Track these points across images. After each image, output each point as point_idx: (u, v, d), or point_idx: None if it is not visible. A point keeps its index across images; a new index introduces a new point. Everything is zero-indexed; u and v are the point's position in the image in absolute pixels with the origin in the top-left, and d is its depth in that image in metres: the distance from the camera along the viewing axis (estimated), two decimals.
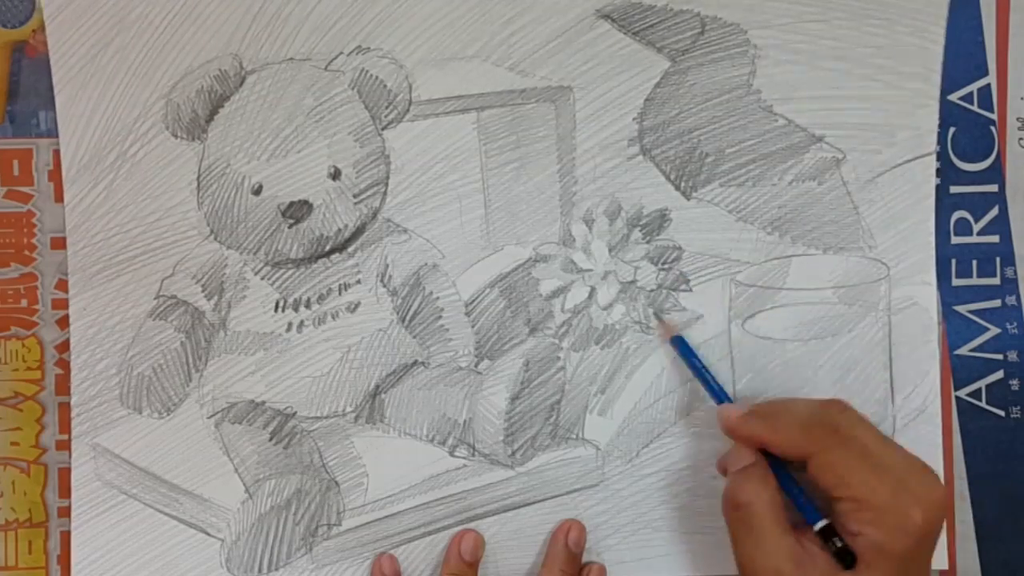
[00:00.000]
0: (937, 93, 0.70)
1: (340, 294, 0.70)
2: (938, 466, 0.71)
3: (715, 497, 0.71)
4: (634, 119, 0.70)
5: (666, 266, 0.71)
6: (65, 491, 0.70)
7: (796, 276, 0.71)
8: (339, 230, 0.69)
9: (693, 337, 0.71)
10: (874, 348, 0.71)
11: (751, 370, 0.71)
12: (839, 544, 0.60)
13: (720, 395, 0.68)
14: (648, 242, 0.71)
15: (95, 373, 0.69)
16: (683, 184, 0.71)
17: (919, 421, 0.71)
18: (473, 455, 0.70)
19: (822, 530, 0.61)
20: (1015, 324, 0.72)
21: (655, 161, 0.70)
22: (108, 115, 0.69)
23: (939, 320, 0.72)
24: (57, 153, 0.69)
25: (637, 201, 0.71)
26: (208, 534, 0.69)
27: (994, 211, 0.72)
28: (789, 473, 0.64)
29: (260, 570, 0.69)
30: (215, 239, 0.69)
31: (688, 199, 0.71)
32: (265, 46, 0.69)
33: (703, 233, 0.71)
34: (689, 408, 0.71)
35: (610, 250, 0.71)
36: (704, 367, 0.69)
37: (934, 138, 0.71)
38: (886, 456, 0.61)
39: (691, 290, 0.71)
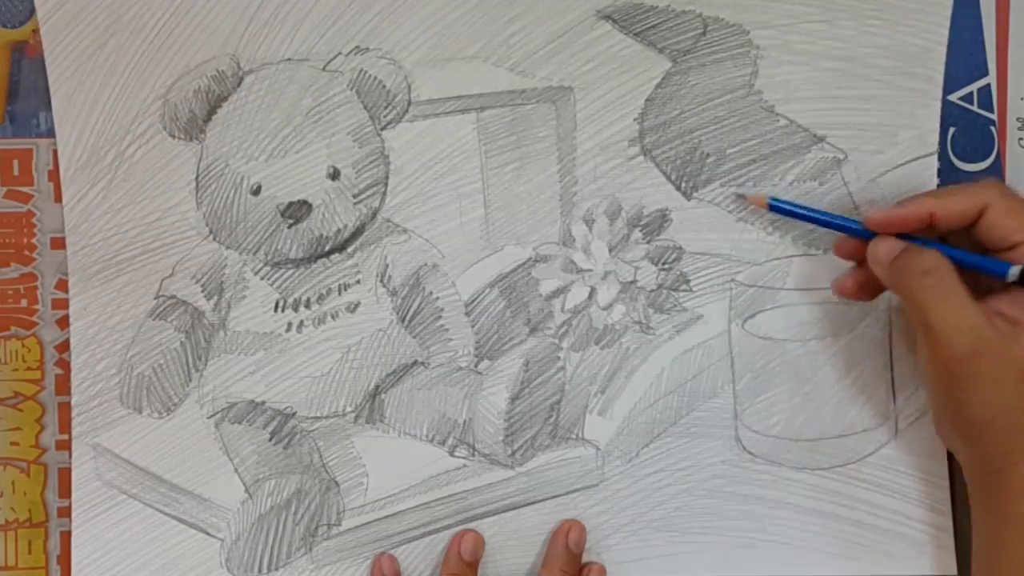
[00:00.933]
0: (939, 93, 0.70)
1: (340, 294, 0.70)
2: (941, 467, 0.71)
3: (714, 497, 0.71)
4: (635, 119, 0.70)
5: (666, 266, 0.71)
6: (65, 491, 0.70)
7: (797, 276, 0.71)
8: (338, 230, 0.69)
9: (693, 337, 0.71)
10: (875, 348, 0.71)
11: (751, 370, 0.71)
12: None
13: (847, 222, 0.66)
14: (648, 242, 0.70)
15: (95, 373, 0.70)
16: (684, 184, 0.70)
17: (922, 422, 0.71)
18: (473, 455, 0.70)
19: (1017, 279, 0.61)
20: None
21: (656, 161, 0.70)
22: (105, 115, 0.68)
23: None
24: (57, 153, 0.69)
25: (637, 201, 0.70)
26: (208, 534, 0.69)
27: None
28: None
29: (260, 570, 0.69)
30: (214, 239, 0.69)
31: (689, 199, 0.70)
32: (263, 46, 0.68)
33: (703, 233, 0.70)
34: (689, 408, 0.71)
35: (610, 250, 0.70)
36: (816, 211, 0.67)
37: (935, 138, 0.70)
38: None
39: (691, 290, 0.71)
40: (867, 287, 0.67)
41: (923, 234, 0.64)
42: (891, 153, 0.70)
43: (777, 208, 0.68)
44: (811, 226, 0.70)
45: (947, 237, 0.64)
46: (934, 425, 0.65)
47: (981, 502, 0.64)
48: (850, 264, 0.68)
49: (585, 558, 0.70)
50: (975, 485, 0.64)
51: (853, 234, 0.66)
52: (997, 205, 0.62)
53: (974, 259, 0.63)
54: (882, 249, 0.64)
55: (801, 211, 0.67)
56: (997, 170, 0.71)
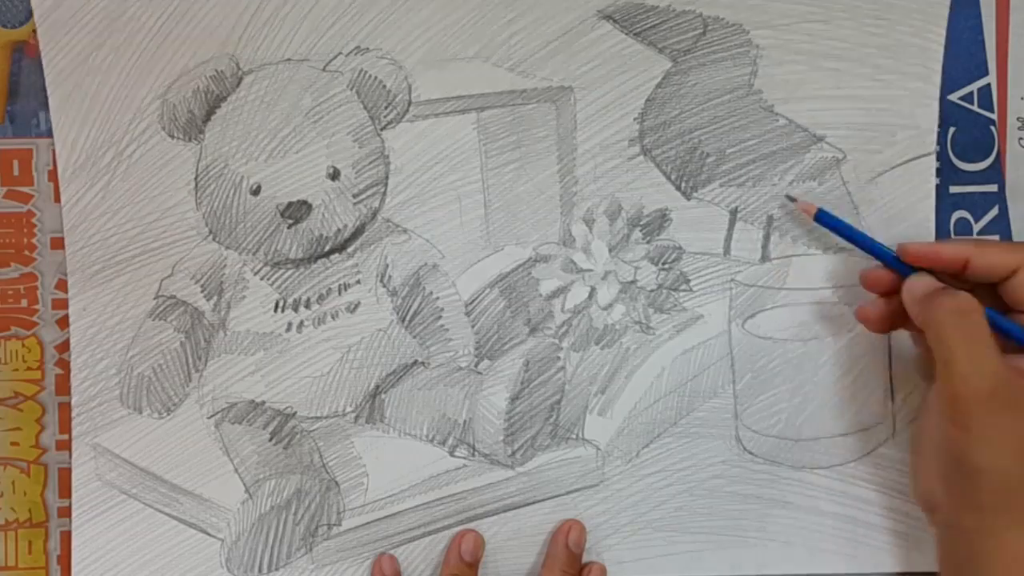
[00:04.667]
0: (937, 93, 0.70)
1: (340, 294, 0.70)
2: None
3: (714, 497, 0.71)
4: (635, 119, 0.70)
5: (666, 266, 0.71)
6: (65, 491, 0.70)
7: (796, 276, 0.71)
8: (338, 230, 0.69)
9: (693, 337, 0.71)
10: (874, 348, 0.71)
11: (751, 370, 0.71)
12: None
13: (884, 251, 0.67)
14: (648, 242, 0.70)
15: (95, 373, 0.69)
16: (683, 184, 0.70)
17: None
18: (473, 455, 0.70)
19: None
20: None
21: (656, 161, 0.70)
22: (103, 116, 0.68)
23: None
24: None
25: (637, 201, 0.70)
26: (208, 534, 0.69)
27: (994, 211, 0.72)
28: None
29: (260, 570, 0.69)
30: (214, 239, 0.69)
31: (688, 199, 0.70)
32: (262, 46, 0.68)
33: (703, 233, 0.71)
34: (689, 408, 0.71)
35: (610, 250, 0.70)
36: (858, 232, 0.68)
37: (934, 137, 0.70)
38: None
39: (691, 290, 0.71)
40: (888, 320, 0.66)
41: (951, 282, 0.64)
42: (890, 153, 0.70)
43: (823, 220, 0.68)
44: (811, 225, 0.70)
45: (973, 291, 0.64)
46: (910, 478, 0.66)
47: (951, 563, 0.63)
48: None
49: (585, 558, 0.71)
50: (948, 544, 0.63)
51: (887, 263, 0.66)
52: None
53: (1003, 321, 0.63)
54: (919, 285, 0.64)
55: (845, 229, 0.68)
56: (997, 170, 0.72)
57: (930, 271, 0.65)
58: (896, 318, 0.66)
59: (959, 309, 0.61)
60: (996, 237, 0.72)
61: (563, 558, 0.69)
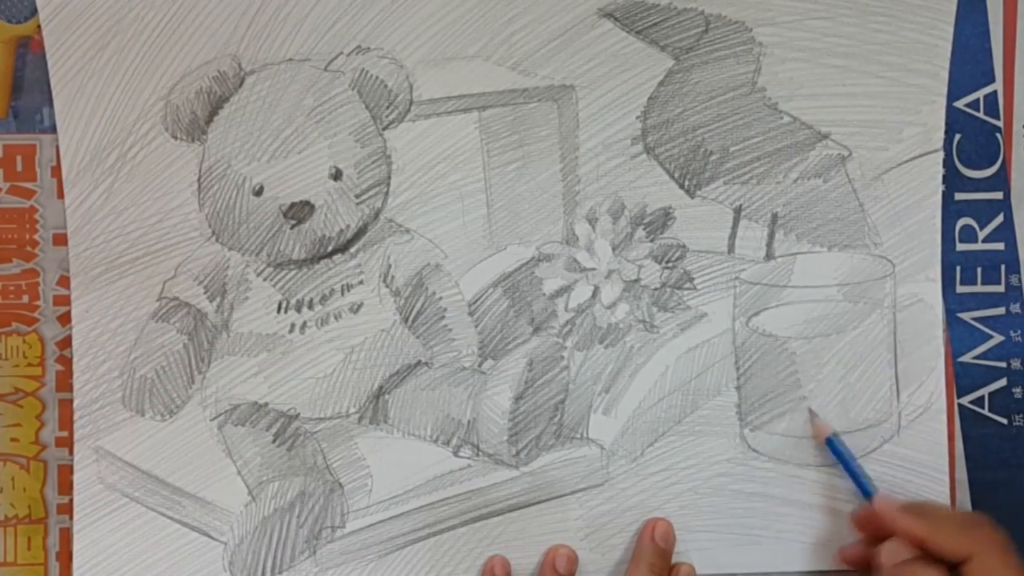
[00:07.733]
0: (944, 90, 0.70)
1: (343, 295, 0.70)
2: (942, 463, 0.71)
3: (719, 495, 0.71)
4: (637, 117, 0.70)
5: (670, 264, 0.71)
6: (64, 488, 0.70)
7: (801, 274, 0.70)
8: (341, 231, 0.69)
9: (697, 336, 0.71)
10: (879, 345, 0.71)
11: (756, 368, 0.71)
12: None
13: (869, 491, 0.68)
14: (652, 240, 0.70)
15: (98, 376, 0.69)
16: (687, 182, 0.70)
17: (924, 418, 0.71)
18: (477, 455, 0.70)
19: None
20: (1019, 332, 0.72)
21: (659, 159, 0.70)
22: (107, 117, 0.68)
23: (944, 328, 0.72)
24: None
25: (640, 199, 0.70)
26: (211, 537, 0.69)
27: (999, 218, 0.72)
28: None
29: (263, 573, 0.69)
30: (217, 240, 0.69)
31: (692, 197, 0.70)
32: (264, 47, 0.68)
33: (707, 231, 0.70)
34: (693, 406, 0.71)
35: (613, 249, 0.70)
36: (856, 464, 0.69)
37: (941, 135, 0.70)
38: None
39: (695, 288, 0.71)
40: (868, 562, 0.67)
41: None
42: (896, 150, 0.70)
43: (831, 445, 0.69)
44: (816, 223, 0.70)
45: None
46: None
47: None
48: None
49: (592, 555, 0.70)
50: None
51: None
52: (981, 558, 0.62)
53: None
54: (891, 553, 0.64)
55: (844, 460, 0.69)
56: (1003, 177, 0.71)
57: None
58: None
59: None
60: (1001, 246, 0.72)
61: (650, 552, 0.69)
